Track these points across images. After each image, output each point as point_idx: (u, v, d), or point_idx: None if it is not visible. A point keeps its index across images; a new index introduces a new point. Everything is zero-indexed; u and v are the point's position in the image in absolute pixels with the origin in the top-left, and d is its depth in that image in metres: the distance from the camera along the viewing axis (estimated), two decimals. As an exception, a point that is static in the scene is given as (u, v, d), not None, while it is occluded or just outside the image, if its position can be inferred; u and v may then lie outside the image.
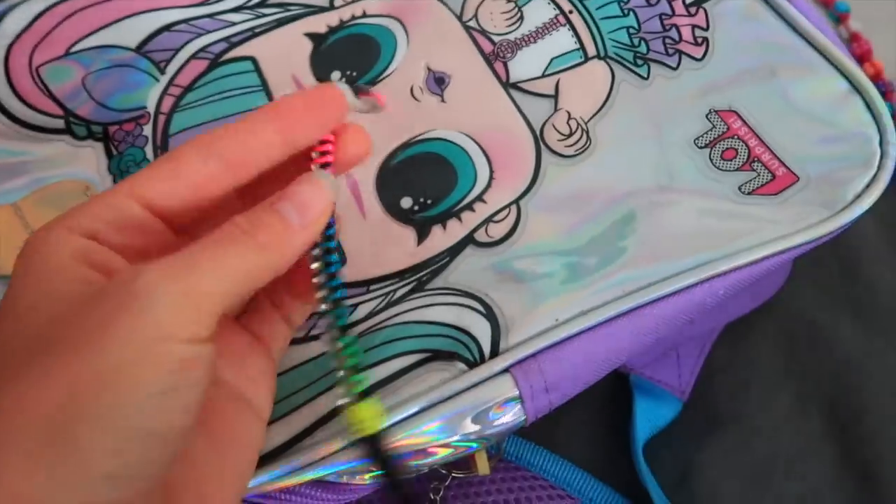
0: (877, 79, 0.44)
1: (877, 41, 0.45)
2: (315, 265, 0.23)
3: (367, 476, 0.26)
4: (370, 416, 0.22)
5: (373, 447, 0.22)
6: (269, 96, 0.33)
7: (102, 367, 0.17)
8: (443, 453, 0.26)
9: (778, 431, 0.34)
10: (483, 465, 0.30)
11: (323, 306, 0.23)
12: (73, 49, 0.33)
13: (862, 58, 0.44)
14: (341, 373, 0.22)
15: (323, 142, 0.23)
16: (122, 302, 0.18)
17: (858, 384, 0.34)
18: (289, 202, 0.21)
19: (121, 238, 0.21)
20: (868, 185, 0.29)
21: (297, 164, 0.23)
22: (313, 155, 0.23)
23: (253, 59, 0.33)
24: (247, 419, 0.23)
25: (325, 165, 0.23)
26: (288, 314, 0.25)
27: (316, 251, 0.23)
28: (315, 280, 0.23)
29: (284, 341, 0.26)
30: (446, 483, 0.31)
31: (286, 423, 0.26)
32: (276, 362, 0.25)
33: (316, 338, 0.28)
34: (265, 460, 0.25)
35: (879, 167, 0.29)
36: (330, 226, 0.23)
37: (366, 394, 0.22)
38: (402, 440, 0.25)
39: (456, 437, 0.25)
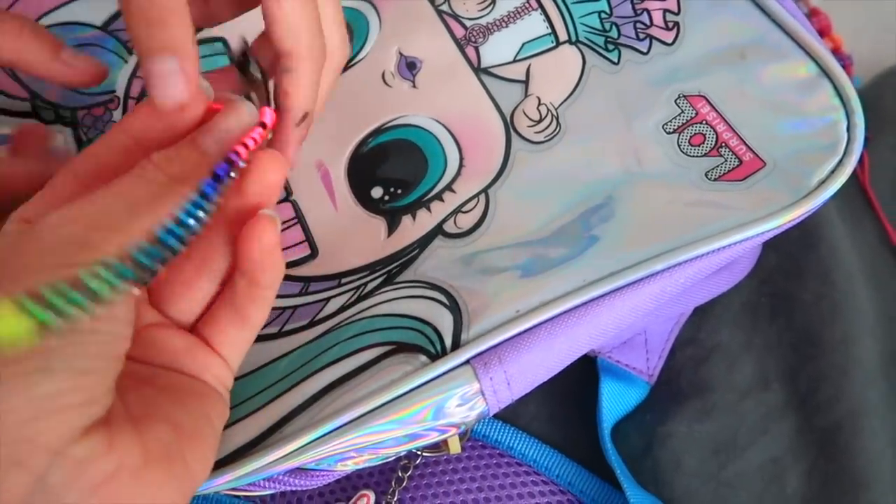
0: (836, 52, 0.44)
1: (835, 14, 0.44)
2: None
3: (349, 463, 0.27)
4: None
5: None
6: (240, 79, 0.32)
7: None
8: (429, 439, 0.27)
9: (739, 403, 0.34)
10: (455, 445, 0.31)
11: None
12: (38, 26, 0.32)
13: (821, 32, 0.44)
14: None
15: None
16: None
17: (815, 353, 0.35)
18: (210, 136, 0.21)
19: None
20: (833, 171, 0.29)
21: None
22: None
23: (224, 41, 0.33)
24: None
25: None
26: None
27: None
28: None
29: None
30: (416, 462, 0.32)
31: (255, 419, 0.26)
32: None
33: (285, 334, 0.28)
34: (237, 455, 0.25)
35: (846, 153, 0.29)
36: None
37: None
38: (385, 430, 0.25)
39: (421, 426, 0.26)
